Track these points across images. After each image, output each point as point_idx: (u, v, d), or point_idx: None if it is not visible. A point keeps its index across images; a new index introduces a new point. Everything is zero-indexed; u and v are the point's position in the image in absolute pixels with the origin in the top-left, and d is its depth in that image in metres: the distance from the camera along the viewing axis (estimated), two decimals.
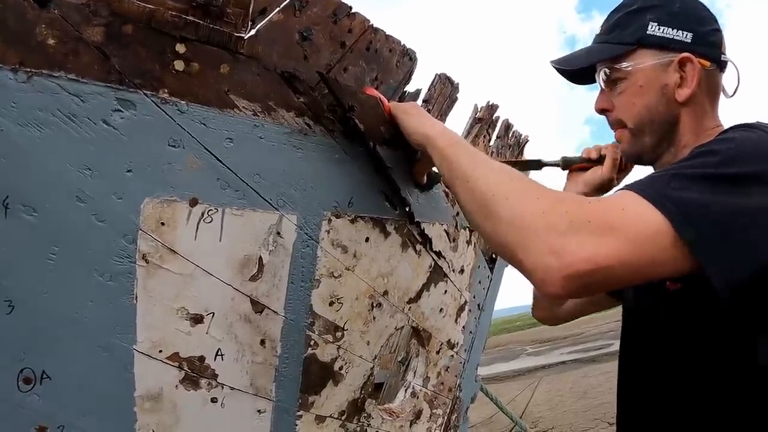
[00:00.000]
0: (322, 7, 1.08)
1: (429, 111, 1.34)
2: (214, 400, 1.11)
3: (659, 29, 1.07)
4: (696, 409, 1.01)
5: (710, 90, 1.10)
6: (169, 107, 0.95)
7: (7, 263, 0.85)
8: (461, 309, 1.64)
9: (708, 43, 1.07)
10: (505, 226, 0.87)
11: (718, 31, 1.10)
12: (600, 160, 1.32)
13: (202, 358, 1.08)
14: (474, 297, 1.71)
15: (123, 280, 0.95)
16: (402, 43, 1.23)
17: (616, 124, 1.16)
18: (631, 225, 0.80)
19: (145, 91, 0.92)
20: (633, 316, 1.21)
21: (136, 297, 0.97)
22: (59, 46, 0.84)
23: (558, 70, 1.23)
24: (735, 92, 1.12)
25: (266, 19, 1.03)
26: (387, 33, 1.21)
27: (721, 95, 1.13)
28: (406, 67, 1.26)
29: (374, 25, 1.18)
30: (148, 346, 1.01)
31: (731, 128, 1.01)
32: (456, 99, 1.39)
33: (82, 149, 0.87)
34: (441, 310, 1.54)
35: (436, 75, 1.37)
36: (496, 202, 0.89)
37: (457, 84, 1.38)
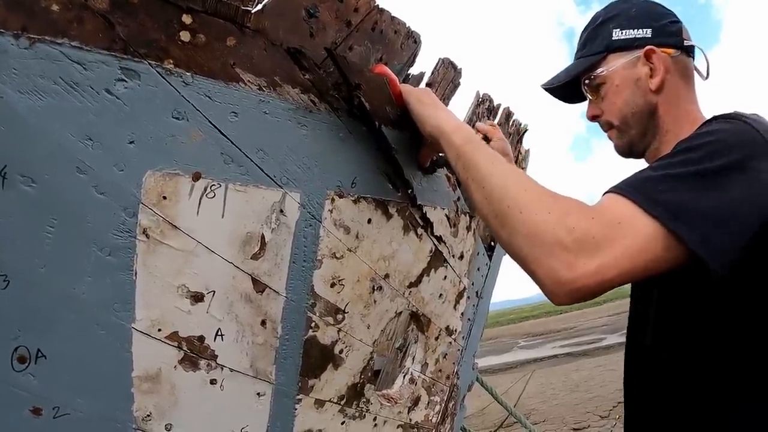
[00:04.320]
0: None
1: None
2: (213, 381, 1.09)
3: (622, 33, 1.19)
4: (693, 390, 1.04)
5: (681, 74, 1.18)
6: (174, 78, 0.93)
7: (3, 236, 0.83)
8: (460, 295, 1.63)
9: (667, 33, 1.18)
10: (520, 238, 0.92)
11: (676, 21, 1.21)
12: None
13: (201, 338, 1.06)
14: (473, 284, 1.70)
15: (122, 255, 0.93)
16: (407, 26, 1.22)
17: (606, 126, 1.26)
18: (629, 238, 0.87)
19: (149, 61, 0.90)
20: (633, 299, 1.26)
21: (136, 273, 0.95)
22: (63, 13, 0.82)
23: (549, 91, 1.34)
24: (708, 73, 1.21)
25: None
26: (392, 14, 1.20)
27: (698, 78, 1.22)
28: (410, 50, 1.25)
29: (380, 6, 1.17)
30: (147, 324, 0.98)
31: (709, 121, 1.07)
32: (459, 84, 1.38)
33: (83, 119, 0.85)
34: (441, 295, 1.53)
35: (440, 59, 1.36)
36: (511, 215, 0.94)
37: (460, 69, 1.37)
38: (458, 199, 1.50)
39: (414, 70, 1.28)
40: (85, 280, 0.90)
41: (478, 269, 1.72)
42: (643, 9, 1.21)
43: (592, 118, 1.27)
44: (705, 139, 0.96)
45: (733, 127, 0.97)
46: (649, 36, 1.17)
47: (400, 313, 1.48)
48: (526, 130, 1.84)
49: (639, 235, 0.87)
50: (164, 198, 0.96)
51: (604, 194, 0.97)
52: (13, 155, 0.81)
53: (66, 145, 0.84)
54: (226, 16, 0.96)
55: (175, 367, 1.03)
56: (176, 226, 0.98)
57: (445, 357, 1.63)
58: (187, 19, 0.92)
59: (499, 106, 1.61)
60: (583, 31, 1.29)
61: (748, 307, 0.97)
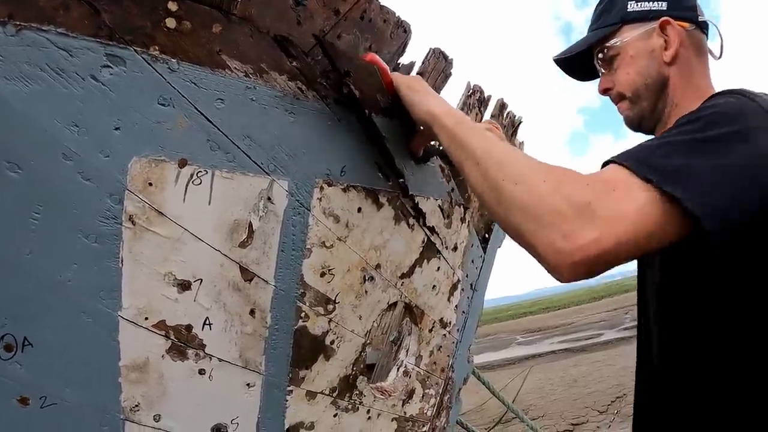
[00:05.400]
0: None
1: None
2: (201, 371, 1.09)
3: (637, 5, 1.19)
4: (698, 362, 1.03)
5: (695, 49, 1.18)
6: (159, 65, 0.92)
7: None
8: (454, 287, 1.63)
9: (682, 7, 1.18)
10: (516, 212, 0.90)
11: None
12: None
13: (189, 327, 1.05)
14: (467, 276, 1.69)
15: (108, 242, 0.93)
16: (396, 15, 1.22)
17: (618, 98, 1.26)
18: (625, 203, 0.85)
19: (135, 48, 0.89)
20: (640, 269, 1.27)
21: (122, 260, 0.95)
22: (49, 0, 0.82)
23: (561, 65, 1.33)
24: (722, 52, 1.21)
25: None
26: (381, 4, 1.19)
27: (710, 58, 1.22)
28: (400, 39, 1.25)
29: None
30: (134, 312, 0.98)
31: (715, 95, 1.07)
32: (450, 74, 1.38)
33: (69, 105, 0.85)
34: (434, 287, 1.53)
35: (431, 49, 1.35)
36: (507, 188, 0.92)
37: (451, 59, 1.36)
38: (452, 190, 1.49)
39: (404, 60, 1.28)
40: (71, 268, 0.90)
41: (473, 261, 1.71)
42: None
43: (604, 91, 1.27)
44: (707, 111, 0.96)
45: (737, 101, 0.97)
46: (664, 8, 1.17)
47: (394, 304, 1.48)
48: (520, 122, 1.84)
49: (635, 201, 0.85)
50: (150, 184, 0.95)
51: (602, 165, 0.97)
52: None
53: (52, 132, 0.84)
54: (211, 4, 0.96)
55: (162, 356, 1.03)
56: (162, 213, 0.98)
57: (439, 349, 1.63)
58: (172, 6, 0.92)
59: (489, 97, 1.61)
60: (598, 5, 1.29)
61: (753, 301, 0.95)
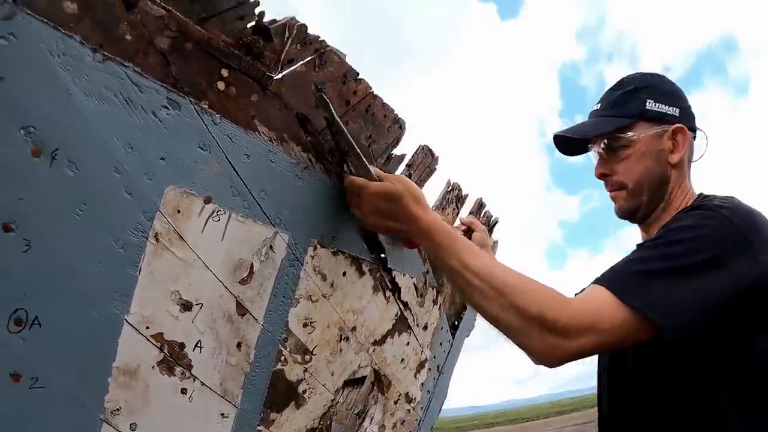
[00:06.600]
0: (336, 68, 1.35)
1: (410, 175, 1.56)
2: (184, 391, 1.16)
3: (655, 105, 1.29)
4: None
5: (690, 154, 1.35)
6: (206, 116, 1.14)
7: (38, 206, 0.93)
8: (421, 365, 1.72)
9: (689, 116, 1.33)
10: (512, 316, 1.13)
11: (691, 107, 1.36)
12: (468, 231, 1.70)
13: (182, 345, 1.15)
14: (434, 357, 1.79)
15: (133, 251, 1.07)
16: (395, 112, 1.49)
17: (616, 186, 1.36)
18: (608, 323, 1.09)
19: (190, 99, 1.12)
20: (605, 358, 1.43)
21: (140, 270, 1.08)
22: (134, 43, 1.03)
23: (561, 140, 1.42)
24: (701, 157, 1.37)
25: (291, 68, 1.28)
26: (384, 101, 1.47)
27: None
28: (395, 133, 1.51)
29: (375, 92, 1.44)
30: (138, 319, 1.09)
31: (694, 207, 1.23)
32: (435, 170, 1.63)
33: (129, 129, 1.04)
34: (402, 360, 1.62)
35: (420, 146, 1.61)
36: (501, 316, 1.15)
37: (437, 157, 1.62)
38: (427, 272, 1.66)
39: (397, 152, 1.53)
40: (96, 265, 1.02)
41: (441, 344, 1.82)
42: (672, 88, 1.32)
43: (601, 176, 1.36)
44: (687, 234, 1.13)
45: (713, 224, 1.13)
46: (677, 115, 1.28)
47: (362, 380, 1.57)
48: (496, 222, 2.07)
49: (616, 321, 1.08)
50: (178, 212, 1.12)
51: (591, 283, 1.17)
52: (66, 142, 0.96)
53: (110, 147, 1.02)
54: (254, 77, 1.21)
55: (153, 366, 1.12)
56: (182, 238, 1.13)
57: (402, 423, 1.67)
58: (225, 72, 1.16)
59: (467, 195, 1.86)
60: (611, 91, 1.35)
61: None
